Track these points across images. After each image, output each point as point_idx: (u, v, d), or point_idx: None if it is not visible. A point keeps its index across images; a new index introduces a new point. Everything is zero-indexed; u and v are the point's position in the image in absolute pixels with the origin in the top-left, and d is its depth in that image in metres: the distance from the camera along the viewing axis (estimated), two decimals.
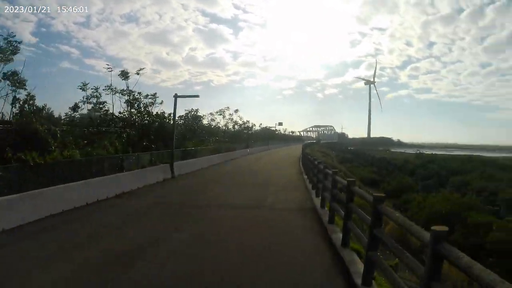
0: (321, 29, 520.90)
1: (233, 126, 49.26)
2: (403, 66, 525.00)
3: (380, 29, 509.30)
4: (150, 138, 20.43)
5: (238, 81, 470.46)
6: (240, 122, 51.11)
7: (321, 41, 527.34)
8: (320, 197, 11.60)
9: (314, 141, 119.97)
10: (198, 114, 40.27)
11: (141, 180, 15.40)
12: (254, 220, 9.77)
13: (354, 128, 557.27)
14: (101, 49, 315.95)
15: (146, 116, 22.07)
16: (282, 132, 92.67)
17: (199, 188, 15.66)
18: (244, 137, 49.08)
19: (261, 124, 69.66)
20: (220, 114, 46.55)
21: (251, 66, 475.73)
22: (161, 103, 22.47)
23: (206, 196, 13.49)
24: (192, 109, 38.99)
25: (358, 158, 73.49)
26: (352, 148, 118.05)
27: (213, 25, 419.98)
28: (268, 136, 69.37)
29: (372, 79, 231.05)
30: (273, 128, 77.32)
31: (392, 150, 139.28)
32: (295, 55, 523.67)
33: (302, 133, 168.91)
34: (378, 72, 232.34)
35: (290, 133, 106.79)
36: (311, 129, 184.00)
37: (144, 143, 20.33)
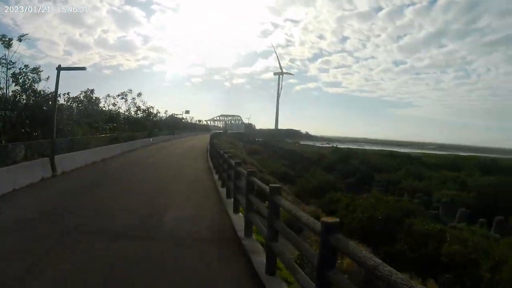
0: (233, 17, 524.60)
1: (136, 112, 45.56)
2: (313, 59, 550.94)
3: (294, 21, 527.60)
4: (26, 123, 17.14)
5: (147, 66, 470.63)
6: (143, 107, 47.42)
7: (232, 29, 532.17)
8: (241, 214, 8.57)
9: (221, 131, 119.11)
10: (95, 96, 36.06)
11: (10, 181, 12.09)
12: (140, 273, 5.55)
13: (261, 119, 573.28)
14: (17, 28, 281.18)
15: (31, 95, 18.67)
16: (189, 120, 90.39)
17: (79, 194, 11.97)
18: (147, 125, 45.57)
19: (166, 111, 66.39)
20: (122, 98, 42.68)
21: (160, 51, 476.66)
22: (47, 79, 19.03)
23: (83, 209, 9.84)
24: (88, 89, 34.68)
25: (267, 149, 72.21)
26: (260, 140, 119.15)
27: (127, 7, 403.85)
28: (174, 125, 66.46)
29: (283, 70, 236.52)
30: (179, 116, 74.52)
31: (302, 142, 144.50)
32: (205, 42, 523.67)
33: (209, 122, 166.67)
34: (288, 63, 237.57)
35: (197, 122, 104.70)
36: (218, 118, 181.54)
37: (24, 130, 17.08)
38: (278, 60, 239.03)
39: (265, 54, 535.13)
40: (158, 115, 55.28)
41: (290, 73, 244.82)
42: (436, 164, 60.81)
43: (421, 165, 58.75)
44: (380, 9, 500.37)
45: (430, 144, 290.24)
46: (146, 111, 47.92)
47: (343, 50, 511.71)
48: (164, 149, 35.44)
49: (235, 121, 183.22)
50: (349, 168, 49.89)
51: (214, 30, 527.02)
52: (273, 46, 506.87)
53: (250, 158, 48.51)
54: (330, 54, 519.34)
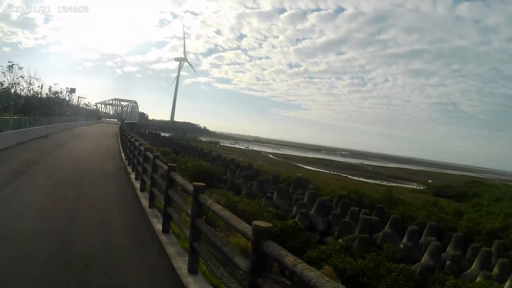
0: (131, 2, 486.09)
1: None
2: (207, 54, 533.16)
3: (193, 13, 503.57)
4: None
5: (45, 46, 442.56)
6: None
7: (129, 15, 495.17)
8: None
9: (115, 120, 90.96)
10: None
11: None
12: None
13: (150, 110, 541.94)
14: None
15: None
16: (75, 102, 59.83)
17: None
18: None
19: (41, 85, 37.59)
20: None
21: (59, 31, 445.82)
22: None
23: None
24: None
25: (216, 164, 41.53)
26: (168, 136, 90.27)
27: None
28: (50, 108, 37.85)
29: (186, 57, 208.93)
30: (62, 96, 46.38)
31: (221, 142, 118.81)
32: (101, 26, 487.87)
33: (101, 106, 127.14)
34: (181, 56, 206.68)
35: (85, 106, 73.53)
36: (111, 102, 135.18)
37: None
38: (184, 44, 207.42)
39: (159, 45, 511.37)
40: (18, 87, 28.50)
41: (191, 65, 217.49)
42: None
43: None
44: (283, 10, 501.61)
45: (343, 150, 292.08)
46: None
47: (238, 48, 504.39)
48: None
49: (131, 108, 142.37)
50: None
51: (111, 14, 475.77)
52: (183, 27, 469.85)
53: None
54: (224, 50, 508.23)
